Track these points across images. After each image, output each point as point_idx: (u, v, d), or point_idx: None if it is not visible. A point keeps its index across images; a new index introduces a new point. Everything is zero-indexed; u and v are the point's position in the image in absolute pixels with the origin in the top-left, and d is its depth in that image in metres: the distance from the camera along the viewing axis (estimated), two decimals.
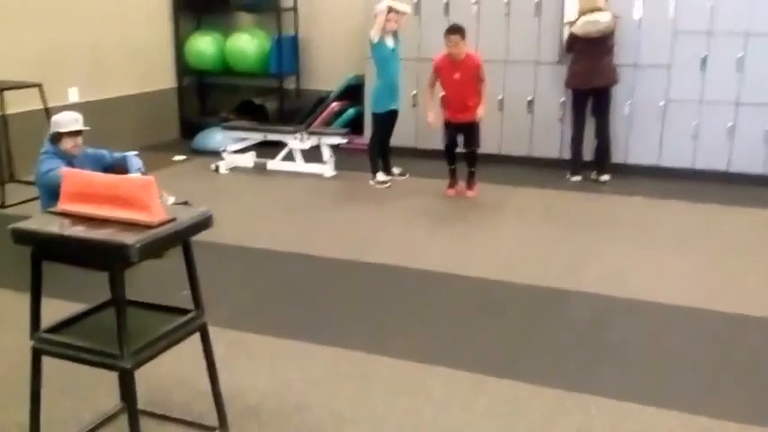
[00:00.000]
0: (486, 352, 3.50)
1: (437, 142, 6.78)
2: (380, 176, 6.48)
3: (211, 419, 2.82)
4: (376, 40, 6.19)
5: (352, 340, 3.57)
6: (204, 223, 2.55)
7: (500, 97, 6.64)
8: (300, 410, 2.96)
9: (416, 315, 3.92)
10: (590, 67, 6.44)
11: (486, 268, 4.53)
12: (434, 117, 6.16)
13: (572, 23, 6.51)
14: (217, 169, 6.95)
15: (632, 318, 3.90)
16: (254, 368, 3.31)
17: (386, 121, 6.45)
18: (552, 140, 7.09)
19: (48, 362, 2.52)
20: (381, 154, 6.58)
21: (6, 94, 5.98)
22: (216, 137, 7.66)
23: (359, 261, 4.66)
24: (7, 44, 6.38)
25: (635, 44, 6.62)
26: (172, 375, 3.12)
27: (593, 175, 6.69)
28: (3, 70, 6.24)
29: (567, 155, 6.88)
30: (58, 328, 2.52)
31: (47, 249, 2.43)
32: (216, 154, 7.26)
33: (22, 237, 2.42)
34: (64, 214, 2.46)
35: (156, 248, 2.32)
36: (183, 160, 7.38)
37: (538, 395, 3.10)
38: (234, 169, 7.01)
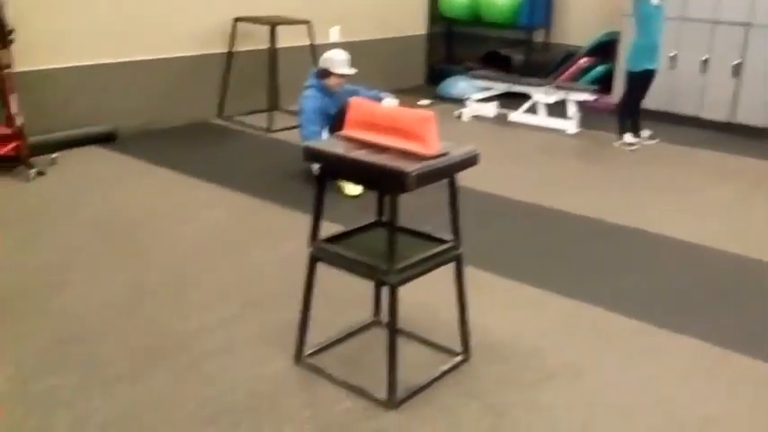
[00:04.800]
0: (730, 327, 3.32)
1: (695, 107, 6.39)
2: (628, 138, 6.23)
3: (453, 346, 2.98)
4: None
5: (590, 295, 3.55)
6: (471, 161, 2.66)
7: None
8: (536, 355, 3.02)
9: (656, 280, 3.80)
10: None
11: (728, 242, 4.26)
12: None
13: None
14: (460, 116, 7.10)
15: None
16: (491, 306, 3.41)
17: (642, 81, 6.14)
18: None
19: (299, 272, 2.80)
20: (631, 115, 6.31)
21: (279, 28, 6.49)
22: (460, 84, 7.82)
23: (597, 219, 4.59)
24: None
25: None
26: (416, 301, 3.30)
27: None
28: (276, 6, 6.80)
29: None
30: (331, 240, 2.78)
31: (332, 168, 2.68)
32: (458, 101, 7.41)
33: (313, 155, 2.69)
34: (348, 138, 2.69)
35: (429, 178, 2.46)
36: (428, 105, 7.60)
37: None
38: (476, 117, 7.12)
